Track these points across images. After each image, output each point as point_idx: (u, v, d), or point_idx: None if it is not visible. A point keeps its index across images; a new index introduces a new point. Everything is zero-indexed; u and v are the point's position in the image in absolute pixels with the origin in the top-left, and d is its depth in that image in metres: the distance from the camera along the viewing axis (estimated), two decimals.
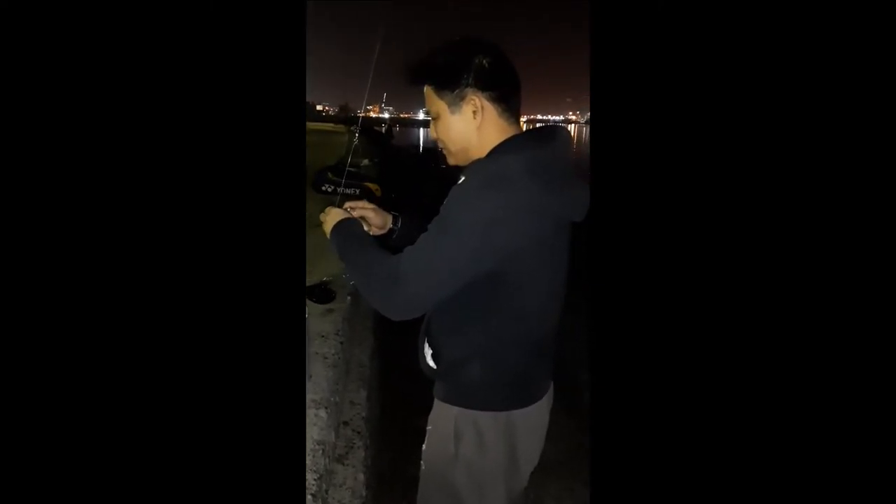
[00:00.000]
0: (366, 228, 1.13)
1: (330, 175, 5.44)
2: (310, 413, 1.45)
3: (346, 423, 1.81)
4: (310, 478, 1.21)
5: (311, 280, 2.40)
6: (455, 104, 0.96)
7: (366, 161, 8.18)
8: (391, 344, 2.75)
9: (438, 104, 0.98)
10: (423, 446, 1.16)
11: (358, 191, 5.33)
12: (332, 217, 1.09)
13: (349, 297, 2.43)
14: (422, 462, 1.17)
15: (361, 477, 1.56)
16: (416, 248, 0.90)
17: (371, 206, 1.19)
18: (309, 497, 1.15)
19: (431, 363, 1.08)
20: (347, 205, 1.17)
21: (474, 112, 0.95)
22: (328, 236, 1.08)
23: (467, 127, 0.96)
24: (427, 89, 0.99)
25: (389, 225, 1.20)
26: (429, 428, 1.15)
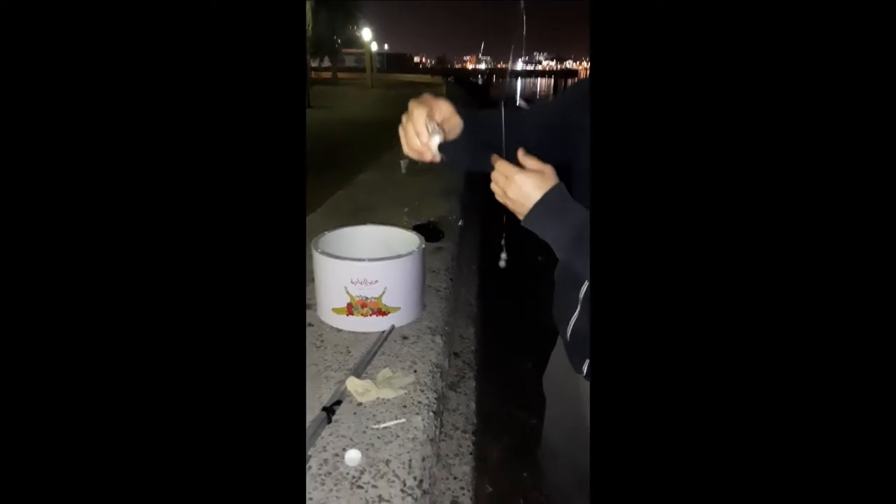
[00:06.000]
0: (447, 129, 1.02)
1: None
2: (426, 339, 1.50)
3: (456, 355, 1.86)
4: (430, 396, 1.25)
5: (419, 220, 2.46)
6: None
7: None
8: (495, 286, 2.76)
9: None
10: None
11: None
12: (535, 181, 0.82)
13: (458, 235, 2.46)
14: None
15: (473, 405, 1.61)
16: None
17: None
18: (431, 415, 1.19)
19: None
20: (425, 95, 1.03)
21: None
22: (527, 206, 0.83)
23: None
24: None
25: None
26: None
